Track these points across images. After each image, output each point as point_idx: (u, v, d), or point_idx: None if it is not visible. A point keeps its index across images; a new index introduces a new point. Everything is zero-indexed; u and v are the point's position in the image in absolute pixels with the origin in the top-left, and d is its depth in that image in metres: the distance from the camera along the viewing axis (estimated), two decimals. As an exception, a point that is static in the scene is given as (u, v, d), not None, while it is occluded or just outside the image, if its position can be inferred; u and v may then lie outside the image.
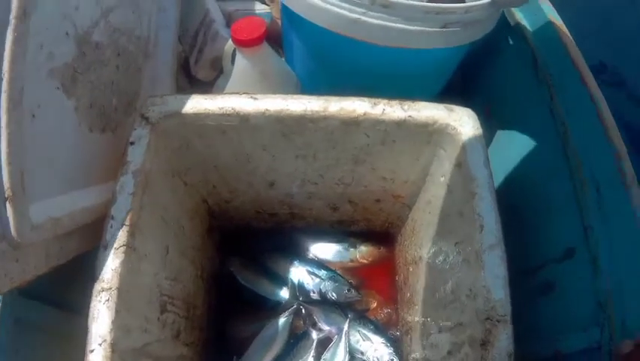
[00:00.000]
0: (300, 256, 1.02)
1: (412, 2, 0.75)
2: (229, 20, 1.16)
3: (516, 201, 0.89)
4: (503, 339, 0.56)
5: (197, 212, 0.88)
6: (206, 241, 0.92)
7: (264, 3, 1.25)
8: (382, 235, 1.02)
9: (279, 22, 1.12)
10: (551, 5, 0.95)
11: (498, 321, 0.57)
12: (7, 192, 0.51)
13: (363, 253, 1.02)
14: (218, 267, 0.99)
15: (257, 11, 1.24)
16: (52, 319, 0.83)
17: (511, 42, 1.03)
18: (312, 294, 0.97)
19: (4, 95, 0.50)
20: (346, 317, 0.93)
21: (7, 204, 0.51)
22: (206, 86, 1.11)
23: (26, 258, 0.57)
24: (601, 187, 0.73)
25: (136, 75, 0.87)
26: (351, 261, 1.02)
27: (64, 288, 0.79)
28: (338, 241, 1.03)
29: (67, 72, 0.64)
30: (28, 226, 0.54)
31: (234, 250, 1.02)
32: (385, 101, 0.70)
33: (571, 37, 0.88)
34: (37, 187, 0.56)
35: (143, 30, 0.91)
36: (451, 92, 1.02)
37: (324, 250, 1.03)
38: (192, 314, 0.84)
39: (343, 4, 0.76)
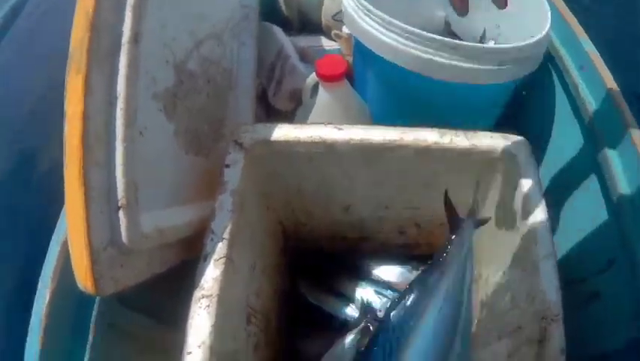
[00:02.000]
0: (367, 277, 1.10)
1: (474, 44, 0.88)
2: (302, 55, 1.28)
3: (560, 221, 1.00)
4: (557, 336, 0.64)
5: (275, 233, 0.98)
6: (280, 260, 1.02)
7: (332, 39, 1.38)
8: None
9: (347, 57, 1.25)
10: (588, 38, 1.05)
11: (552, 320, 0.65)
12: (121, 202, 0.58)
13: (425, 274, 1.09)
14: (289, 286, 1.08)
15: (326, 47, 1.37)
16: (145, 328, 0.89)
17: (554, 75, 1.13)
18: (378, 313, 1.04)
19: (120, 113, 0.58)
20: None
21: (120, 213, 0.58)
22: (284, 117, 1.22)
23: (131, 264, 0.63)
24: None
25: (223, 104, 0.98)
26: (416, 282, 1.09)
27: (158, 299, 0.85)
28: (402, 263, 1.11)
29: (168, 97, 0.74)
30: (139, 234, 0.61)
31: (304, 271, 1.11)
32: (452, 131, 0.80)
33: (608, 71, 0.98)
34: (146, 200, 0.63)
35: (228, 62, 1.02)
36: (505, 123, 1.12)
37: (389, 272, 1.11)
38: (269, 330, 0.92)
39: (417, 46, 0.89)
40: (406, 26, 0.89)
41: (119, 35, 0.59)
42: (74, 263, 0.56)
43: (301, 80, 1.16)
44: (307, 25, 1.55)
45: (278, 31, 1.32)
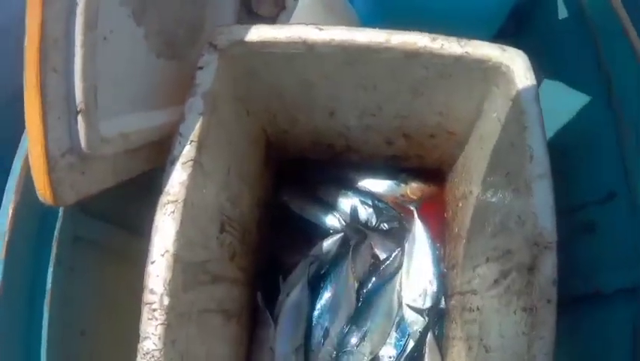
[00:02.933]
0: (354, 188, 1.08)
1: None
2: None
3: (561, 145, 0.95)
4: (549, 265, 0.62)
5: (257, 140, 0.96)
6: (263, 170, 0.99)
7: None
8: (433, 172, 1.08)
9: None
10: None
11: (545, 248, 0.62)
12: (80, 106, 0.56)
13: (413, 189, 1.09)
14: (273, 196, 1.06)
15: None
16: (110, 237, 0.89)
17: None
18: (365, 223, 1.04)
19: (79, 18, 0.55)
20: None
21: (79, 118, 0.56)
22: (268, 23, 1.14)
23: (93, 171, 0.61)
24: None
25: (200, 8, 0.93)
26: (402, 196, 1.09)
27: (124, 208, 0.85)
28: (390, 176, 1.09)
29: (138, 1, 0.69)
30: (98, 139, 0.59)
31: (289, 181, 1.09)
32: (443, 36, 0.75)
33: None
34: (108, 105, 0.61)
35: None
36: (506, 35, 1.09)
37: (377, 184, 1.09)
38: (247, 239, 0.91)
39: None
40: None
41: None
42: (33, 172, 0.54)
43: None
44: None
45: None
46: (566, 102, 0.99)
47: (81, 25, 0.55)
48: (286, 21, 1.00)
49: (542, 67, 1.03)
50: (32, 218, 0.73)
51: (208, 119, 0.70)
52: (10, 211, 0.70)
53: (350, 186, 1.08)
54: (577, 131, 0.97)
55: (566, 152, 0.94)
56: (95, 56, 0.57)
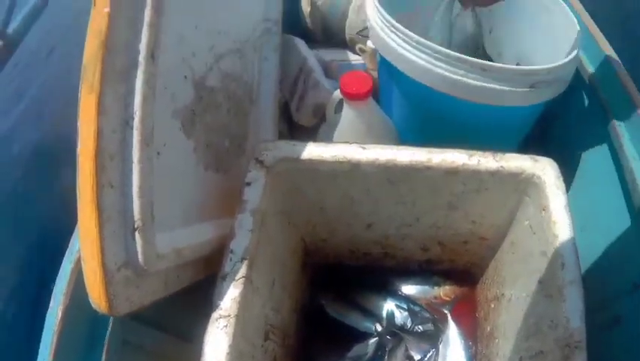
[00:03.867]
0: (389, 292, 1.07)
1: (504, 65, 0.83)
2: (326, 69, 1.24)
3: (587, 241, 0.94)
4: None
5: (296, 249, 0.96)
6: (300, 276, 0.99)
7: (356, 53, 1.34)
8: (465, 274, 1.08)
9: (372, 72, 1.21)
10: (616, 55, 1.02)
11: (575, 347, 0.62)
12: (138, 223, 0.56)
13: (446, 291, 1.08)
14: (309, 300, 1.05)
15: (352, 62, 1.33)
16: (160, 343, 0.88)
17: (583, 95, 1.09)
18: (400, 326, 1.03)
19: (136, 133, 0.56)
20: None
21: (137, 234, 0.57)
22: (307, 131, 1.19)
23: (147, 285, 0.61)
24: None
25: (244, 119, 0.96)
26: (435, 298, 1.07)
27: (171, 314, 0.83)
28: (423, 279, 1.09)
29: (187, 114, 0.72)
30: (155, 255, 0.59)
31: (325, 286, 1.08)
32: (480, 153, 0.77)
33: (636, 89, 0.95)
34: (163, 220, 0.62)
35: (249, 77, 1.00)
36: (532, 142, 1.10)
37: (411, 287, 1.09)
38: (286, 343, 0.90)
39: (446, 66, 0.85)
40: (434, 45, 0.85)
41: (136, 53, 0.57)
42: (88, 284, 0.54)
43: (325, 95, 1.13)
44: (331, 38, 1.51)
45: (301, 44, 1.29)
46: (590, 201, 1.01)
47: (138, 139, 0.56)
48: (328, 133, 1.02)
49: (568, 169, 1.06)
50: (82, 321, 0.73)
51: (257, 235, 0.70)
52: (60, 314, 0.70)
53: (385, 290, 1.07)
54: (600, 227, 0.97)
55: (590, 248, 0.94)
56: (151, 171, 0.58)
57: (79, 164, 0.52)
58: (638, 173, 0.86)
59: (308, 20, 1.48)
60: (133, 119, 0.56)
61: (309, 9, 1.45)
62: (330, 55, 1.35)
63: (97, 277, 0.53)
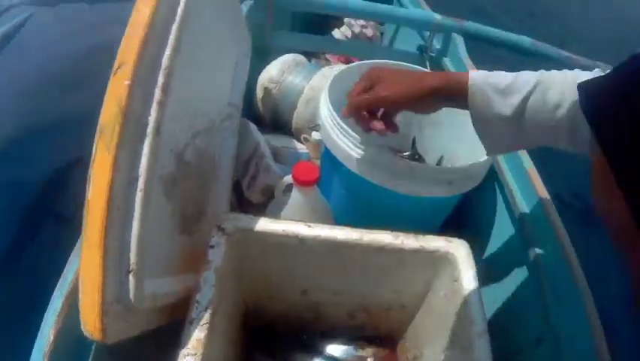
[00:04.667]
0: (318, 353, 1.17)
1: (426, 165, 1.03)
2: (275, 154, 1.39)
3: (495, 305, 1.16)
4: None
5: (239, 309, 1.06)
6: (241, 333, 1.09)
7: (300, 142, 1.50)
8: (386, 336, 1.19)
9: (315, 160, 1.37)
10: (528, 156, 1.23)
11: None
12: (132, 266, 0.65)
13: (369, 352, 1.18)
14: (247, 358, 1.13)
15: (299, 150, 1.49)
16: None
17: (495, 186, 1.31)
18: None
19: (140, 191, 0.66)
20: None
21: (130, 276, 0.66)
22: (254, 207, 1.32)
23: (132, 320, 0.70)
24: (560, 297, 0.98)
25: (207, 190, 1.06)
26: (359, 359, 1.18)
27: (144, 350, 0.87)
28: (350, 341, 1.19)
29: (169, 181, 0.81)
30: (142, 296, 0.68)
31: (261, 346, 1.16)
32: (404, 234, 0.93)
33: (543, 186, 1.15)
34: (148, 268, 0.70)
35: (213, 154, 1.11)
36: (450, 224, 1.29)
37: (338, 349, 1.18)
38: None
39: (384, 164, 1.04)
40: (376, 147, 1.04)
41: (146, 124, 0.67)
42: (85, 315, 0.63)
43: (274, 178, 1.28)
44: (278, 124, 1.67)
45: (254, 128, 1.41)
46: (497, 271, 1.20)
47: (140, 195, 0.66)
48: (276, 210, 1.14)
49: (479, 245, 1.24)
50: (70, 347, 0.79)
51: (219, 289, 0.82)
52: (47, 349, 0.75)
53: (315, 351, 1.16)
54: (505, 291, 1.16)
55: (498, 309, 1.15)
56: (147, 224, 0.67)
57: (89, 209, 0.61)
58: (539, 251, 1.06)
59: (260, 106, 1.63)
60: (137, 179, 0.66)
61: (261, 95, 1.60)
62: (278, 141, 1.49)
63: (95, 309, 0.62)
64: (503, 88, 0.80)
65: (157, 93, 0.69)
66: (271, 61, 1.72)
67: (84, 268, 0.62)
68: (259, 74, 1.68)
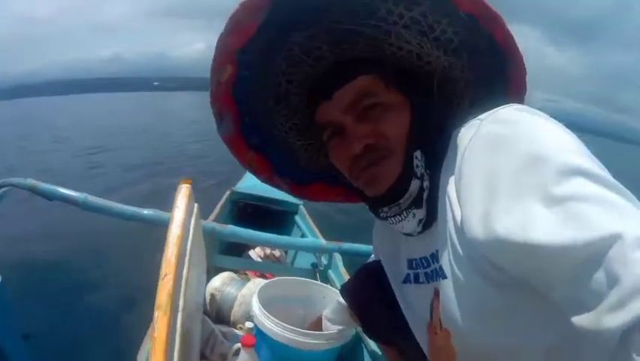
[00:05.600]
0: None
1: (316, 333, 1.81)
2: (224, 335, 2.14)
3: None
4: None
5: None
6: None
7: (236, 329, 2.28)
8: None
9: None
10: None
11: None
12: None
13: None
14: None
15: (238, 333, 2.24)
16: None
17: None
18: None
19: (178, 340, 1.06)
20: None
21: None
22: (215, 364, 2.01)
23: None
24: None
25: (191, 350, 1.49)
26: None
27: None
28: None
29: (186, 335, 1.24)
30: None
31: None
32: None
33: None
34: None
35: (193, 330, 1.59)
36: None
37: None
38: None
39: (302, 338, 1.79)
40: (297, 331, 1.74)
41: (177, 305, 1.12)
42: None
43: (226, 348, 2.00)
44: (220, 317, 2.42)
45: (208, 320, 2.16)
46: None
47: (179, 342, 1.07)
48: None
49: None
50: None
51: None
52: None
53: None
54: None
55: None
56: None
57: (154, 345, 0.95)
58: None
59: (207, 305, 2.41)
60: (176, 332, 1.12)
61: (209, 298, 2.39)
62: (223, 328, 2.25)
63: None
64: None
65: (182, 286, 1.35)
66: (213, 276, 2.54)
67: None
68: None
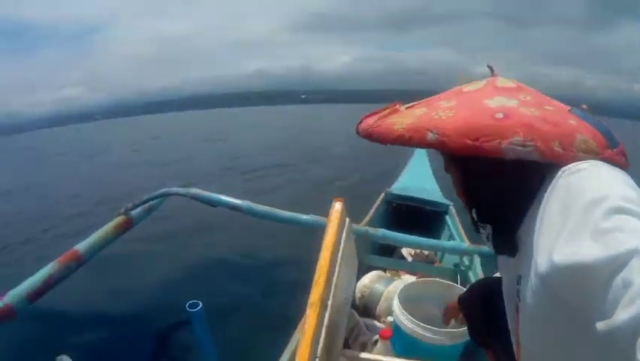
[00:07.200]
0: None
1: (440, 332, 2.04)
2: (367, 326, 2.47)
3: None
4: None
5: None
6: None
7: (380, 322, 2.57)
8: None
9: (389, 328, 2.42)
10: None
11: None
12: None
13: None
14: None
15: (378, 325, 2.56)
16: None
17: None
18: None
19: (323, 341, 1.32)
20: None
21: None
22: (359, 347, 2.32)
23: None
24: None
25: (338, 333, 1.72)
26: None
27: None
28: None
29: (332, 320, 1.45)
30: None
31: None
32: None
33: None
34: None
35: (341, 320, 1.83)
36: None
37: None
38: None
39: (426, 334, 2.05)
40: (427, 327, 1.99)
41: (327, 299, 1.58)
42: None
43: (367, 337, 2.33)
44: (367, 311, 2.76)
45: (355, 313, 2.51)
46: None
47: (325, 325, 1.35)
48: (376, 351, 2.13)
49: None
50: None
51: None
52: None
53: None
54: None
55: None
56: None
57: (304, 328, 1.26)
58: None
59: (357, 300, 2.74)
60: (327, 324, 1.54)
61: (359, 295, 2.72)
62: (367, 321, 2.57)
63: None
64: None
65: (332, 289, 1.65)
66: (365, 273, 2.87)
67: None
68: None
